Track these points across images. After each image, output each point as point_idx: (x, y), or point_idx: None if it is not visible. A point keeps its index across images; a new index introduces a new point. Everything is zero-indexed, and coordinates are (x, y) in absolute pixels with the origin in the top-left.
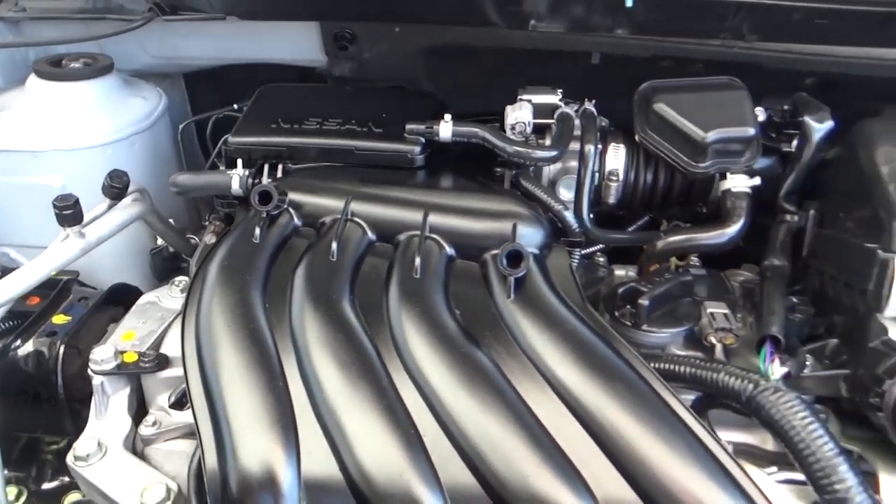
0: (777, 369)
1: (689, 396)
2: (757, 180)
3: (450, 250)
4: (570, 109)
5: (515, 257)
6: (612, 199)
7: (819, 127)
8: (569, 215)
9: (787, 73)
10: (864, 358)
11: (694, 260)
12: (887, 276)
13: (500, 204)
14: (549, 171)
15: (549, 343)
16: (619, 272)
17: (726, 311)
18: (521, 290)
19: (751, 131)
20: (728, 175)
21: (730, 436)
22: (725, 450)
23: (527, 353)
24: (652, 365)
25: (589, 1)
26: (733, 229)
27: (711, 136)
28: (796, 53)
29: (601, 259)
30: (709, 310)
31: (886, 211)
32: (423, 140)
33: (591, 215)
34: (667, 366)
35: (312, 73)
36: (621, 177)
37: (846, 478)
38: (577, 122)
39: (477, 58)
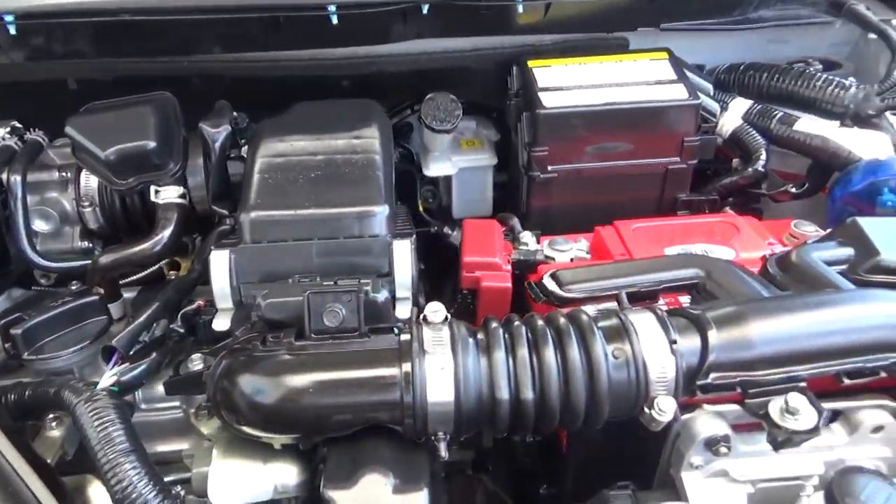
0: (106, 379)
1: None
2: (182, 190)
3: None
4: (12, 141)
5: None
6: (92, 224)
7: (213, 132)
8: None
9: (323, 78)
10: None
11: None
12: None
13: None
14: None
15: None
16: None
17: None
18: None
19: (151, 144)
20: (154, 188)
21: None
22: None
23: None
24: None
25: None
26: (161, 238)
27: (110, 153)
28: (250, 62)
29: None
30: None
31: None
32: None
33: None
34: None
35: None
36: (96, 200)
37: (129, 475)
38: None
39: None
